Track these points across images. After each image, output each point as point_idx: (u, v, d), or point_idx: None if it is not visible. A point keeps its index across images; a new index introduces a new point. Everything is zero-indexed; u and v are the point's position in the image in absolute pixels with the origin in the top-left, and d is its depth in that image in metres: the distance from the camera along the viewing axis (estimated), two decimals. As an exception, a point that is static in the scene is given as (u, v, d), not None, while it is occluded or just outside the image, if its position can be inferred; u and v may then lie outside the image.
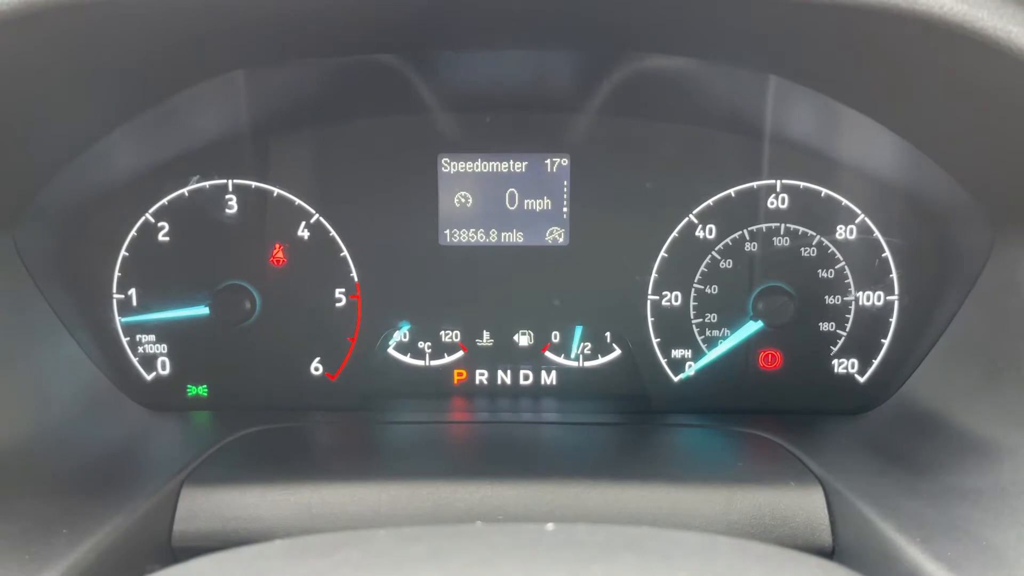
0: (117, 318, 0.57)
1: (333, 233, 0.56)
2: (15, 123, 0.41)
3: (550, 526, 0.29)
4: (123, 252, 0.55)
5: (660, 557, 0.29)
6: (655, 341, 0.58)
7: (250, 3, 0.36)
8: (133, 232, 0.55)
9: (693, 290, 0.57)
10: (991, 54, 0.36)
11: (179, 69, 0.44)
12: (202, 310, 0.56)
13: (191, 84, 0.47)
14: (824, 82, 0.46)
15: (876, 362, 0.56)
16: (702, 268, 0.56)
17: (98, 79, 0.41)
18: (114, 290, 0.56)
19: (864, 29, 0.36)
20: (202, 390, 0.58)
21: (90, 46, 0.35)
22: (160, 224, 0.55)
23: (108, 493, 0.42)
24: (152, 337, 0.57)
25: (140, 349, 0.57)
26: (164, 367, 0.58)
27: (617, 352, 0.60)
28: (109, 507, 0.40)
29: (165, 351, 0.57)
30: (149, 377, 0.58)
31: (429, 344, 0.60)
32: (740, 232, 0.56)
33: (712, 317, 0.57)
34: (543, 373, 0.60)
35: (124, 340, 0.57)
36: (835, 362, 0.57)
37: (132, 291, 0.56)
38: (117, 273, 0.56)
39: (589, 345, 0.60)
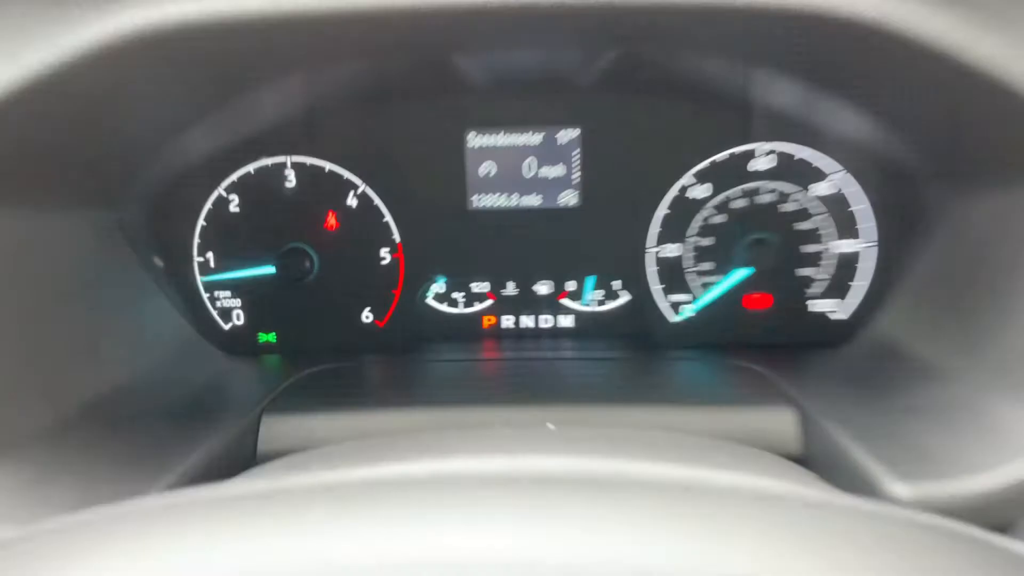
0: (198, 277, 0.65)
1: (377, 201, 0.64)
2: (125, 121, 0.49)
3: (549, 425, 0.37)
4: (201, 222, 0.63)
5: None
6: (657, 287, 0.65)
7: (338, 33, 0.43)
8: (208, 204, 0.63)
9: (690, 242, 0.63)
10: (905, 48, 0.42)
11: (256, 71, 0.52)
12: (269, 269, 0.64)
13: (261, 82, 0.55)
14: (789, 69, 0.53)
15: (851, 301, 0.63)
16: (697, 223, 0.63)
17: (194, 84, 0.49)
18: (195, 254, 0.64)
19: (795, 29, 0.43)
20: (271, 337, 0.66)
21: (197, 61, 0.43)
22: (231, 197, 0.63)
23: (201, 421, 0.50)
24: (228, 293, 0.65)
25: (218, 303, 0.66)
26: (239, 318, 0.66)
27: (624, 298, 0.66)
28: (203, 432, 0.49)
29: (239, 305, 0.66)
30: (226, 327, 0.66)
31: (462, 294, 0.67)
32: (730, 190, 0.62)
33: (706, 265, 0.64)
34: (561, 317, 0.67)
35: (204, 296, 0.65)
36: (815, 302, 0.63)
37: (209, 254, 0.64)
38: (197, 240, 0.64)
39: (600, 292, 0.67)
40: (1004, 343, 0.47)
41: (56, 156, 0.47)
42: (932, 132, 0.54)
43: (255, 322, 0.67)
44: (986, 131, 0.48)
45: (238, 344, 0.66)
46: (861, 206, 0.62)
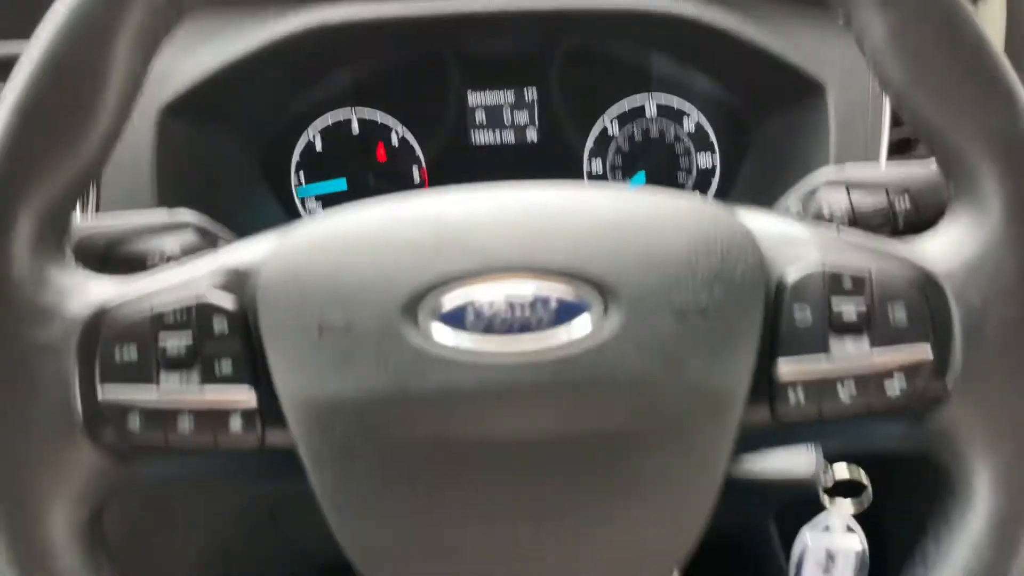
0: (295, 190, 0.93)
1: (411, 140, 0.90)
2: (273, 89, 0.83)
3: None
4: (295, 157, 0.92)
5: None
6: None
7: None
8: (301, 145, 0.91)
9: (609, 162, 0.93)
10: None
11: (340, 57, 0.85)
12: (341, 185, 0.94)
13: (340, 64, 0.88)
14: (662, 47, 0.85)
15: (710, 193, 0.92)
16: (611, 150, 0.91)
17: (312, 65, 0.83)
18: (292, 177, 0.92)
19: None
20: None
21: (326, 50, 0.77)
22: (315, 137, 0.91)
23: None
24: (314, 203, 0.94)
25: (308, 209, 0.94)
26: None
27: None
28: None
29: (321, 208, 0.95)
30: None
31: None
32: (630, 128, 0.90)
33: (617, 175, 0.93)
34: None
35: (298, 203, 0.94)
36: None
37: (302, 175, 0.93)
38: (294, 166, 0.91)
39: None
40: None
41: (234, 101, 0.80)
42: (745, 84, 0.81)
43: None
44: (770, 80, 0.83)
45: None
46: (711, 135, 0.90)
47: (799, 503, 0.79)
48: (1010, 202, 0.37)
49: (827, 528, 0.66)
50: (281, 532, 0.96)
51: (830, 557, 0.64)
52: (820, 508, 0.75)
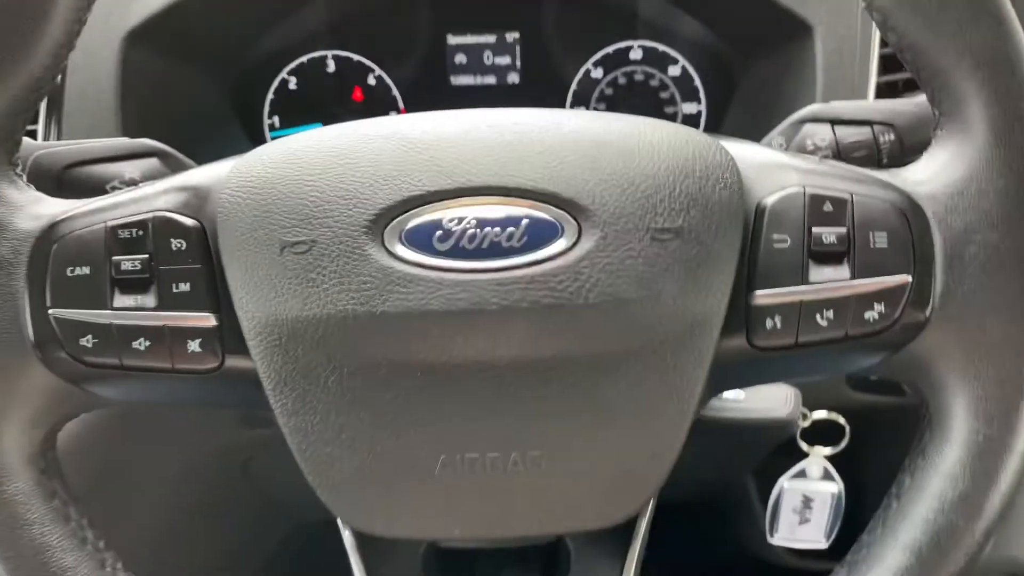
0: (267, 134, 0.91)
1: (388, 81, 0.89)
2: (243, 20, 0.80)
3: None
4: (270, 95, 0.89)
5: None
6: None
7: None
8: (275, 84, 0.89)
9: (592, 107, 0.92)
10: None
11: None
12: (317, 126, 0.95)
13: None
14: None
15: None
16: (595, 94, 0.90)
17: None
18: (265, 117, 0.90)
19: None
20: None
21: None
22: (290, 78, 0.89)
23: None
24: None
25: None
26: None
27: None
28: None
29: None
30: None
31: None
32: (616, 72, 0.90)
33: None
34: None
35: None
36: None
37: (275, 118, 0.90)
38: (267, 108, 0.89)
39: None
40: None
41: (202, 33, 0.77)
42: (733, 27, 0.83)
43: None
44: (757, 21, 0.81)
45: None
46: (697, 81, 0.91)
47: (778, 459, 0.79)
48: (996, 125, 0.36)
49: (803, 474, 0.66)
50: (254, 485, 0.95)
51: (806, 501, 0.64)
52: (798, 459, 0.75)
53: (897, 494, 0.39)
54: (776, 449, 0.80)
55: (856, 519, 0.75)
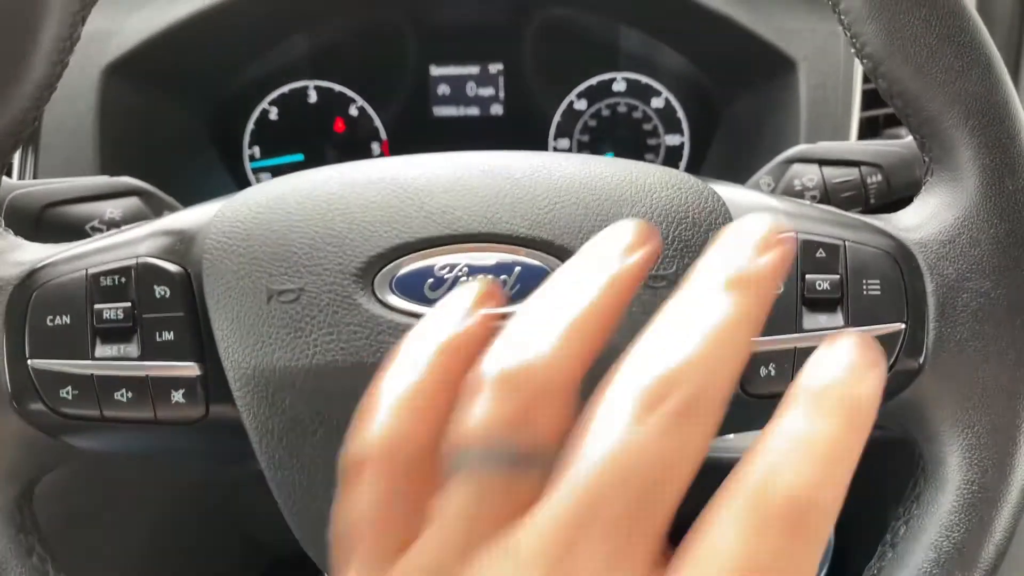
0: (247, 164, 0.90)
1: (370, 111, 0.88)
2: (227, 48, 0.79)
3: None
4: (251, 126, 0.89)
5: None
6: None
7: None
8: (256, 114, 0.88)
9: (574, 139, 0.92)
10: None
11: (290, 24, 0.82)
12: (298, 157, 0.90)
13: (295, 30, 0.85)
14: (634, 24, 0.85)
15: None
16: (579, 126, 0.90)
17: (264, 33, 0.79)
18: (245, 147, 0.89)
19: None
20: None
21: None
22: (271, 108, 0.88)
23: None
24: (268, 176, 0.90)
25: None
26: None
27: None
28: None
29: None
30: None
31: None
32: (599, 104, 0.90)
33: (584, 152, 0.93)
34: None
35: (252, 179, 0.91)
36: None
37: (256, 148, 0.90)
38: (248, 138, 0.88)
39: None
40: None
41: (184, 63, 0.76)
42: (716, 62, 0.84)
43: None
44: (740, 56, 0.82)
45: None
46: (680, 113, 0.91)
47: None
48: (986, 172, 0.36)
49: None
50: (237, 522, 0.93)
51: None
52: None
53: (892, 543, 0.39)
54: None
55: (844, 556, 0.74)
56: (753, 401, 0.37)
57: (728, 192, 0.38)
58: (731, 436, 0.62)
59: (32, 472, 0.37)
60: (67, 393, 0.35)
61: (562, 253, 0.35)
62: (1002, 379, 0.36)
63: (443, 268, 0.35)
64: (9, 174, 0.68)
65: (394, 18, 0.84)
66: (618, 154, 0.94)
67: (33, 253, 0.37)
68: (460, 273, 0.35)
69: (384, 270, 0.35)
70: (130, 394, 0.35)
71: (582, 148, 0.94)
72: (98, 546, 0.80)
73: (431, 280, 0.35)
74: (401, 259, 0.35)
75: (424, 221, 0.35)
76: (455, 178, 0.36)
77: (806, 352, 0.36)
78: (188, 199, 0.60)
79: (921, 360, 0.36)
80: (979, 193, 0.36)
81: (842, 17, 0.38)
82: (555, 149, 0.94)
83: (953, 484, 0.37)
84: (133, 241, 0.37)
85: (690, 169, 0.93)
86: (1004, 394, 0.36)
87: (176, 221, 0.38)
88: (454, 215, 0.35)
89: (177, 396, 0.35)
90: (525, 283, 0.35)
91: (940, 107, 0.36)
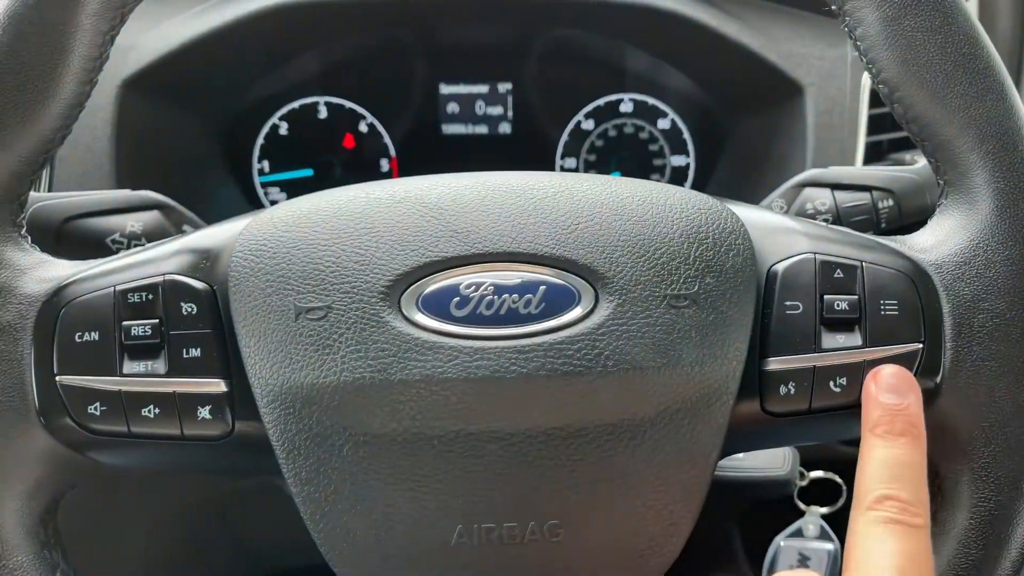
0: (256, 178, 0.90)
1: (380, 128, 0.89)
2: (239, 66, 0.80)
3: None
4: (260, 140, 0.89)
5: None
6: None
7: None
8: (265, 129, 0.89)
9: (581, 158, 0.92)
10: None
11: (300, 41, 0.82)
12: (308, 172, 0.91)
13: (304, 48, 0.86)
14: (642, 45, 0.86)
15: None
16: (586, 146, 0.91)
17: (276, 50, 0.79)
18: (255, 162, 0.89)
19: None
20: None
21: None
22: (281, 123, 0.89)
23: None
24: (277, 189, 0.91)
25: (269, 197, 0.91)
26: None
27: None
28: None
29: (285, 197, 0.94)
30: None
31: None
32: (606, 124, 0.91)
33: (591, 172, 0.94)
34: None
35: (260, 192, 0.90)
36: None
37: (265, 163, 0.90)
38: (257, 152, 0.88)
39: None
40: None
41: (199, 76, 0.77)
42: (722, 85, 0.85)
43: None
44: (748, 80, 0.83)
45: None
46: (686, 134, 0.93)
47: (765, 510, 0.79)
48: (1000, 196, 0.37)
49: (800, 532, 0.66)
50: (233, 533, 0.93)
51: (803, 560, 0.63)
52: (786, 511, 0.75)
53: None
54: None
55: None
56: (771, 420, 0.38)
57: (745, 212, 0.39)
58: (741, 456, 0.63)
59: (57, 488, 0.37)
60: (95, 409, 0.35)
61: (586, 272, 0.36)
62: (1018, 398, 0.37)
63: (469, 287, 0.35)
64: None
65: (404, 37, 0.84)
66: (624, 174, 0.94)
67: (60, 270, 0.37)
68: (486, 292, 0.35)
69: (411, 288, 0.35)
70: (157, 410, 0.35)
71: (589, 168, 0.95)
72: (101, 556, 0.80)
73: (457, 299, 0.35)
74: (427, 278, 0.35)
75: (450, 240, 0.36)
76: (480, 198, 0.37)
77: (825, 371, 0.37)
78: (197, 212, 0.59)
79: (938, 379, 0.37)
80: (993, 215, 0.37)
81: (858, 43, 0.38)
82: (562, 168, 0.95)
83: (969, 501, 0.37)
84: (160, 258, 0.37)
85: (695, 189, 0.94)
86: (1019, 413, 0.37)
87: (202, 238, 0.38)
88: (480, 235, 0.36)
89: (204, 413, 0.36)
90: (550, 302, 0.36)
91: (955, 132, 0.37)
